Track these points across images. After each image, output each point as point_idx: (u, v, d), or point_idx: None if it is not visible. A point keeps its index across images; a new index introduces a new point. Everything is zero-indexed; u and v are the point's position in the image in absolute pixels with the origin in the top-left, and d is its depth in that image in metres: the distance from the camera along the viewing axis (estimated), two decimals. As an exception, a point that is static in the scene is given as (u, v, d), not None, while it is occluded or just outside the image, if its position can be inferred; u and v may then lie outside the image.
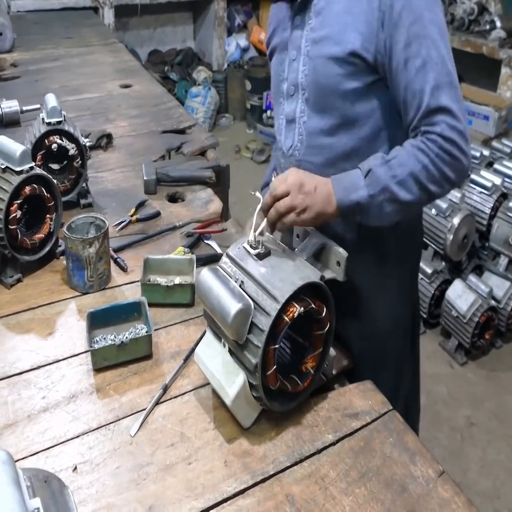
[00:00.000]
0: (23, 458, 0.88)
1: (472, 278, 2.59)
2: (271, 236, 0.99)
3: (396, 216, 1.01)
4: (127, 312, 1.13)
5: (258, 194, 1.01)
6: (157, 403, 0.98)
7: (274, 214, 0.96)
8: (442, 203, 2.56)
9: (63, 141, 1.45)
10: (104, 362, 1.04)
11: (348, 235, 1.12)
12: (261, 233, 0.96)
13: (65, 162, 1.53)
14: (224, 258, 0.96)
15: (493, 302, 2.54)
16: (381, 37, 0.96)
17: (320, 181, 0.99)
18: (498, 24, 3.76)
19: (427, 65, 0.94)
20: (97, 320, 1.10)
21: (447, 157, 0.95)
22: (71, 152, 1.47)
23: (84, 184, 1.55)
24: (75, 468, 0.87)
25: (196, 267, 1.25)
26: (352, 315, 1.17)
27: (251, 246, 0.94)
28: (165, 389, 1.01)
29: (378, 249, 1.15)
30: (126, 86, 2.49)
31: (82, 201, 1.55)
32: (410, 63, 0.95)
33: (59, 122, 1.45)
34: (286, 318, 0.86)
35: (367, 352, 1.18)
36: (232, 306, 0.85)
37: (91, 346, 1.04)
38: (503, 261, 2.63)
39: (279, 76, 1.15)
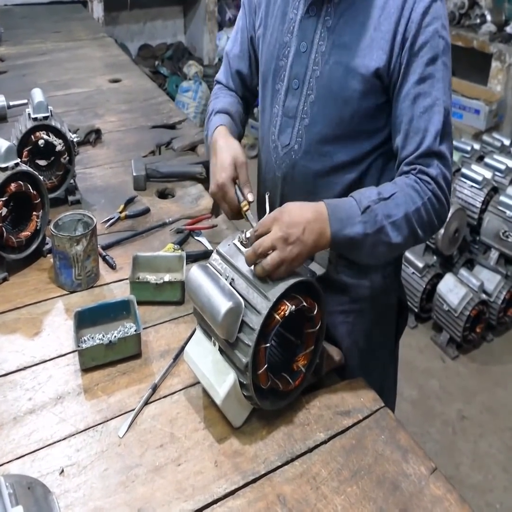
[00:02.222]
0: (8, 462, 0.86)
1: (463, 272, 2.59)
2: None
3: (384, 257, 1.00)
4: (115, 311, 1.11)
5: (267, 197, 0.99)
6: (146, 403, 0.97)
7: (261, 271, 0.86)
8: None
9: (50, 136, 1.43)
10: (92, 362, 1.03)
11: None
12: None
13: (52, 158, 1.50)
14: (214, 255, 0.95)
15: (484, 296, 2.55)
16: (398, 62, 0.96)
17: (309, 219, 0.89)
18: (489, 18, 3.76)
19: (434, 107, 0.96)
20: (85, 319, 1.08)
21: (436, 202, 0.98)
22: (58, 148, 1.44)
23: (71, 181, 1.52)
24: (62, 471, 0.85)
25: (186, 264, 1.24)
26: (335, 311, 1.16)
27: (242, 243, 0.93)
28: (154, 388, 0.99)
29: None
30: (116, 81, 2.46)
31: (70, 198, 1.53)
32: (419, 100, 0.96)
33: (45, 118, 1.42)
34: (277, 316, 0.85)
35: (353, 349, 1.17)
36: (223, 305, 0.84)
37: (78, 346, 1.03)
38: (493, 255, 2.64)
39: (278, 59, 1.09)
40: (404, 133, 0.99)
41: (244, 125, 1.26)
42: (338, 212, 0.92)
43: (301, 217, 0.89)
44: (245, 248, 0.92)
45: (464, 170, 2.72)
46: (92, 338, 1.06)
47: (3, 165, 1.20)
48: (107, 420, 0.94)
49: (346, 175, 1.06)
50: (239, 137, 1.17)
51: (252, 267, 0.89)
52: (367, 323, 1.19)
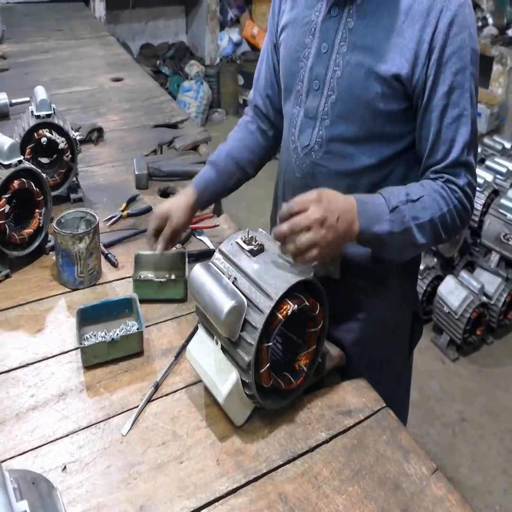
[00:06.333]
0: (11, 458, 0.87)
1: (464, 274, 2.60)
2: (263, 231, 0.98)
3: (407, 255, 1.04)
4: (118, 309, 1.11)
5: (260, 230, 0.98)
6: (149, 401, 0.97)
7: (293, 249, 0.89)
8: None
9: (52, 134, 1.43)
10: (94, 359, 1.03)
11: None
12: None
13: (55, 156, 1.50)
14: (217, 254, 0.95)
15: (484, 298, 2.55)
16: (424, 71, 0.96)
17: (343, 208, 0.92)
18: (490, 21, 3.77)
19: (462, 118, 0.97)
20: (87, 317, 1.08)
21: (461, 209, 1.01)
22: (61, 145, 1.44)
23: (74, 179, 1.53)
24: (65, 467, 0.86)
25: (188, 262, 1.24)
26: (351, 319, 1.15)
27: (244, 242, 0.93)
28: (157, 386, 0.99)
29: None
30: (118, 80, 2.47)
31: (72, 196, 1.53)
32: (448, 110, 0.97)
33: (48, 115, 1.43)
34: (279, 315, 0.85)
35: (365, 358, 1.15)
36: (225, 303, 0.84)
37: (81, 343, 1.03)
38: (494, 257, 2.64)
39: (298, 61, 1.08)
40: (432, 143, 1.00)
41: (253, 160, 1.27)
42: (367, 209, 0.95)
43: (337, 204, 0.92)
44: (248, 246, 0.92)
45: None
46: (95, 335, 1.06)
47: (6, 162, 1.20)
48: (109, 418, 0.94)
49: (367, 179, 1.05)
50: (229, 182, 1.26)
51: (277, 246, 0.90)
52: (381, 334, 1.17)
